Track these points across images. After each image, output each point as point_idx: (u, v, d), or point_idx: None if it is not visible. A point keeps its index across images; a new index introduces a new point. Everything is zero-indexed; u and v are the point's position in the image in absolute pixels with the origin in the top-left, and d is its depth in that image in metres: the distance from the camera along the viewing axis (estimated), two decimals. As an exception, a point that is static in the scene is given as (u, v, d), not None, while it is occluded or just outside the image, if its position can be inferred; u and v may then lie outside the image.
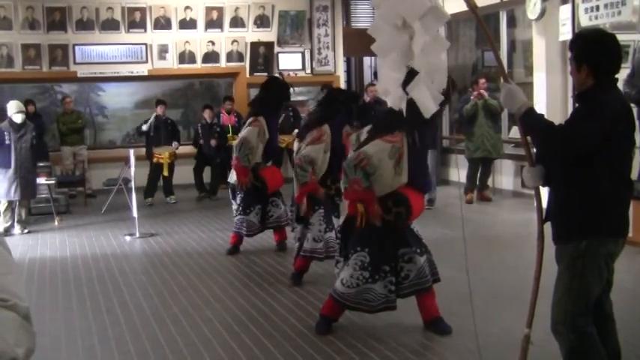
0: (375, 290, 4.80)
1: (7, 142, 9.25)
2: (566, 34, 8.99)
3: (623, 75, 7.50)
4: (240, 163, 7.30)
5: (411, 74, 4.06)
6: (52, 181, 10.79)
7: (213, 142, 11.82)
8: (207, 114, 12.18)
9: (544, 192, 3.68)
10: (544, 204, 3.67)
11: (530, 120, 3.53)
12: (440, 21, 3.62)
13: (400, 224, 4.80)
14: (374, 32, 3.69)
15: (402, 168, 4.74)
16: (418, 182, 4.90)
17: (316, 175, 6.14)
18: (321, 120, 6.31)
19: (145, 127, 11.70)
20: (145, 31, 13.13)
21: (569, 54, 3.63)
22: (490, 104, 10.45)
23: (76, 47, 12.81)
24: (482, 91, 10.51)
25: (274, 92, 7.51)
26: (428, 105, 3.48)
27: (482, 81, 10.67)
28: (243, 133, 7.45)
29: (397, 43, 3.51)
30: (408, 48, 3.50)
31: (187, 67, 13.44)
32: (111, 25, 12.94)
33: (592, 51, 3.47)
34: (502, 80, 3.62)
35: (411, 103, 4.49)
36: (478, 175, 10.84)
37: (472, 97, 10.51)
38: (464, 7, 3.69)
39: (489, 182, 11.17)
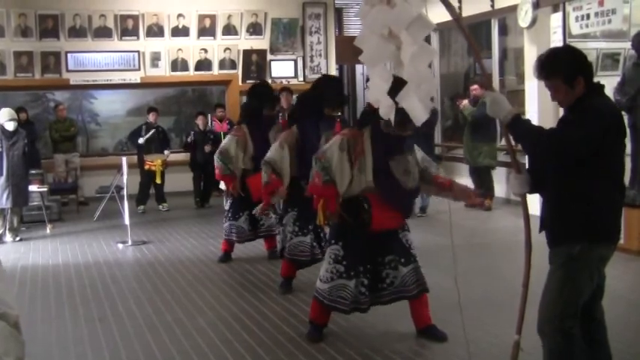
0: (350, 288, 4.80)
1: (-1, 149, 9.24)
2: (557, 42, 9.04)
3: (613, 83, 7.55)
4: (220, 172, 7.34)
5: (396, 83, 4.08)
6: (45, 189, 10.77)
7: (207, 148, 11.81)
8: (200, 121, 12.19)
9: (531, 199, 3.70)
10: (532, 211, 3.69)
11: (518, 127, 3.54)
12: (425, 30, 3.64)
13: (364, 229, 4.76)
14: (361, 43, 3.71)
15: (363, 166, 4.71)
16: (383, 191, 4.71)
17: (280, 174, 6.04)
18: (291, 122, 6.35)
19: (141, 141, 11.68)
20: (138, 38, 13.12)
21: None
22: (463, 114, 10.40)
23: (69, 54, 12.79)
24: (464, 101, 10.47)
25: (255, 99, 7.44)
26: (418, 114, 3.51)
27: (472, 87, 10.60)
28: (223, 142, 7.55)
29: (385, 53, 3.54)
30: (397, 57, 3.53)
31: (180, 75, 13.43)
32: (103, 33, 12.92)
33: (582, 61, 3.51)
34: (487, 89, 3.65)
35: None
36: (479, 181, 10.64)
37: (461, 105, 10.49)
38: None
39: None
